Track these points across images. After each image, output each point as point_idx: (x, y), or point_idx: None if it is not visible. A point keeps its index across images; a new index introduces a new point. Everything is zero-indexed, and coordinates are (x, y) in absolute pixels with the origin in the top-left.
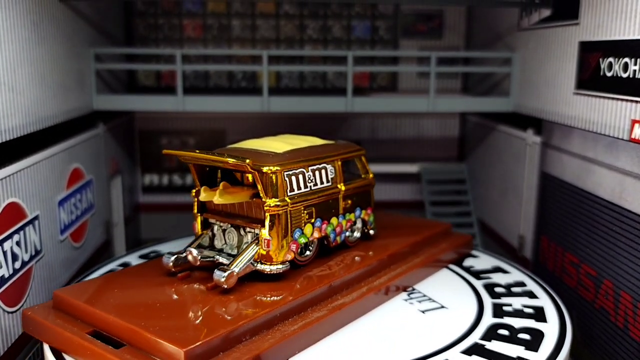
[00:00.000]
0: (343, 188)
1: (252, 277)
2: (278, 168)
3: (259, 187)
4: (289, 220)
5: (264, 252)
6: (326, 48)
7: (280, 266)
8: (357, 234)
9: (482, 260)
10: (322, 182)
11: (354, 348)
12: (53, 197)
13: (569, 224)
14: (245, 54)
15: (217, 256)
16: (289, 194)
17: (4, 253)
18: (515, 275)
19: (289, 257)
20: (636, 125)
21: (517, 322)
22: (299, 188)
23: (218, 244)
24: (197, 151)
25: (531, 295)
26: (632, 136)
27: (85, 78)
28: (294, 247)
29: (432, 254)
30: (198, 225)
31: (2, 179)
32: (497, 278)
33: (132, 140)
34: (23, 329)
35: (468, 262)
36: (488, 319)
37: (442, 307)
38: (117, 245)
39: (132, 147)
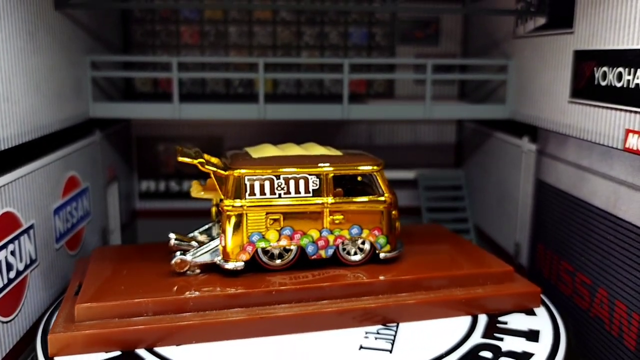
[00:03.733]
0: (329, 202)
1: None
2: (242, 172)
3: (216, 186)
4: (244, 222)
5: (221, 248)
6: (323, 55)
7: (232, 264)
8: (358, 255)
9: (529, 320)
10: (297, 192)
11: (242, 355)
12: (48, 205)
13: (564, 232)
14: (242, 61)
15: (194, 242)
16: (247, 197)
17: None
18: (539, 346)
19: (244, 257)
20: (630, 134)
21: None
22: (262, 194)
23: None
24: (179, 147)
25: None
26: (626, 145)
27: (82, 86)
28: (249, 248)
29: (452, 295)
30: (213, 214)
31: None
32: (508, 343)
33: (129, 146)
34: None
35: (511, 317)
36: None
37: (388, 351)
38: None
39: (129, 154)
